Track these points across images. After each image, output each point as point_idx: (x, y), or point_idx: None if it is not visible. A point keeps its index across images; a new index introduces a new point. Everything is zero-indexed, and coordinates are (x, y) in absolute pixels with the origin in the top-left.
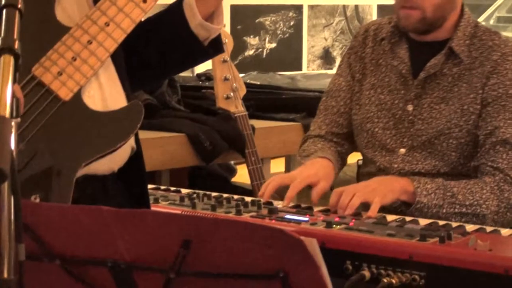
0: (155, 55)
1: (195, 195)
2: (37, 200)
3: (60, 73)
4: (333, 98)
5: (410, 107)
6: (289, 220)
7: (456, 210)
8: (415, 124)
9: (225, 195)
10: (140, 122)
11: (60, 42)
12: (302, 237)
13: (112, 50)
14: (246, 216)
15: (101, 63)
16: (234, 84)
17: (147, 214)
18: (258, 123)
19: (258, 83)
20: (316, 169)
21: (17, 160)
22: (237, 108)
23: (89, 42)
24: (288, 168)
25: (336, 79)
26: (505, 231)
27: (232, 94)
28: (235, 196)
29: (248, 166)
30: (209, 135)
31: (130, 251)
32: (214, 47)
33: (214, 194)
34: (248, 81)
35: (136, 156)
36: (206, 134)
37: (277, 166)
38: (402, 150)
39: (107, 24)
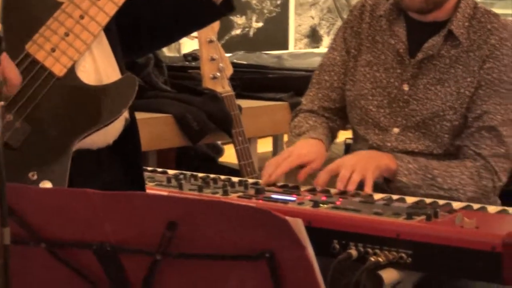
0: (165, 17)
1: (182, 176)
2: (35, 177)
3: (53, 50)
4: (326, 72)
5: (405, 87)
6: (276, 200)
7: (434, 192)
8: (410, 104)
9: (212, 176)
10: (134, 95)
11: (53, 18)
12: (287, 218)
13: (104, 24)
14: (233, 196)
15: (93, 37)
16: (221, 64)
17: (133, 196)
18: (245, 103)
19: (245, 62)
20: (308, 149)
21: (14, 138)
22: (224, 88)
23: (81, 17)
24: (275, 148)
25: (330, 53)
26: (491, 208)
27: (218, 74)
28: (222, 177)
29: (235, 146)
30: (196, 115)
31: (117, 234)
32: (226, 5)
33: (201, 175)
34: (234, 60)
35: (131, 127)
36: (193, 114)
37: (265, 145)
38: (396, 130)
39: None
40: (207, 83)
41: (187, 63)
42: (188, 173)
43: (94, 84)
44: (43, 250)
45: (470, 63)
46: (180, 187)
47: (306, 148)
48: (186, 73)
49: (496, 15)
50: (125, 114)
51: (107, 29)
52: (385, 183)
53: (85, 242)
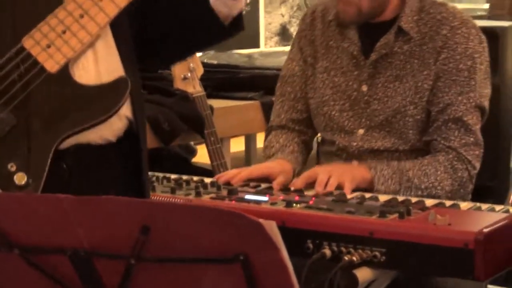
0: (175, 32)
1: (154, 178)
2: (13, 168)
3: (48, 46)
4: (288, 83)
5: (364, 88)
6: (249, 201)
7: (413, 193)
8: (371, 104)
9: (184, 177)
10: (124, 98)
11: (52, 14)
12: (261, 220)
13: (103, 24)
14: (205, 198)
15: (90, 37)
16: (191, 64)
17: (106, 200)
18: (216, 103)
19: (216, 62)
20: (275, 164)
21: None
22: (195, 89)
23: (81, 16)
24: (248, 147)
25: (289, 64)
26: (464, 205)
27: (189, 74)
28: (195, 178)
29: (207, 146)
30: (168, 116)
31: (90, 239)
32: (235, 25)
33: (173, 176)
34: (205, 60)
35: (133, 129)
36: (164, 115)
37: (237, 145)
38: (361, 131)
39: None
40: (178, 84)
41: None
42: (161, 174)
43: (91, 83)
44: (16, 256)
45: (425, 56)
46: (152, 189)
47: (272, 164)
48: (157, 74)
49: (443, 4)
50: (128, 114)
51: (115, 27)
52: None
53: (59, 247)
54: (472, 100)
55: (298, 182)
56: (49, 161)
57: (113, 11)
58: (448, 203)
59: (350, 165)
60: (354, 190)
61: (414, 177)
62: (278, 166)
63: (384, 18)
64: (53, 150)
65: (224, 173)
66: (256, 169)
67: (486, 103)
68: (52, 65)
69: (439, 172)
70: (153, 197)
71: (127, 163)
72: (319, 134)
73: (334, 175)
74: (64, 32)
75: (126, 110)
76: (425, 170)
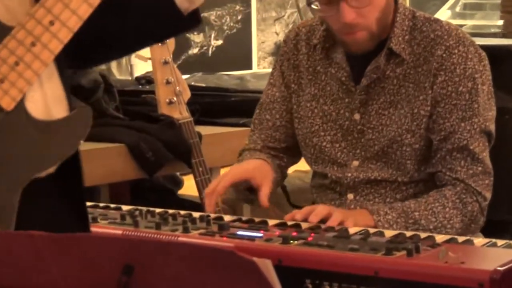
0: (128, 27)
1: (137, 212)
2: None
3: (1, 81)
4: (267, 111)
5: (357, 116)
6: (242, 237)
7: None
8: (365, 133)
9: (170, 211)
10: (88, 129)
11: (2, 44)
12: (255, 259)
13: (57, 52)
14: (194, 234)
15: (45, 67)
16: (177, 88)
17: (83, 238)
18: (205, 130)
19: (204, 85)
20: (252, 165)
21: None
22: (182, 114)
23: (33, 44)
24: None
25: (269, 90)
26: (478, 241)
27: (175, 98)
28: (182, 212)
29: (195, 178)
30: (152, 144)
31: (67, 279)
32: (193, 18)
33: (158, 210)
34: (192, 83)
35: (72, 157)
36: (148, 143)
37: None
38: (355, 163)
39: (52, 23)
40: (163, 109)
41: (140, 87)
42: (144, 208)
43: (42, 116)
44: None
45: (420, 79)
46: (135, 224)
47: (248, 165)
48: (139, 98)
49: (437, 21)
50: None
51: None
52: None
53: None
54: (477, 126)
55: (297, 215)
56: (17, 203)
57: (67, 36)
58: (460, 239)
59: (351, 211)
60: None
61: (421, 218)
62: (258, 169)
63: (373, 45)
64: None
65: (206, 190)
66: (234, 175)
67: (492, 127)
68: (8, 103)
69: (447, 209)
70: (136, 234)
71: (68, 193)
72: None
73: (336, 211)
74: (17, 63)
75: None
76: (432, 209)
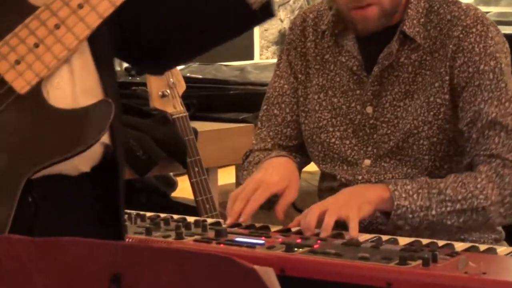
0: (193, 25)
1: (126, 216)
2: None
3: (18, 62)
4: (275, 105)
5: (369, 109)
6: (241, 244)
7: (449, 208)
8: (378, 128)
9: (162, 215)
10: (107, 125)
11: (23, 24)
12: (255, 267)
13: (83, 38)
14: (188, 240)
15: (68, 51)
16: (171, 79)
17: (68, 243)
18: (201, 126)
19: (200, 76)
20: (279, 174)
21: None
22: (176, 108)
23: (57, 27)
24: (239, 179)
25: (276, 82)
26: (501, 250)
27: (168, 91)
28: (175, 216)
29: (190, 179)
30: (142, 142)
31: None
32: (265, 10)
33: (149, 214)
34: (188, 74)
35: (111, 156)
36: (138, 140)
37: (226, 177)
38: (367, 162)
39: (80, 6)
40: (155, 102)
41: (130, 78)
42: (134, 212)
43: (68, 106)
44: None
45: (436, 65)
46: (124, 230)
47: (276, 174)
48: (129, 91)
49: (455, 2)
50: (106, 140)
51: (94, 38)
52: (384, 218)
53: None
54: (505, 100)
55: (302, 221)
56: (18, 195)
57: (95, 21)
58: (482, 247)
59: (362, 186)
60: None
61: (447, 188)
62: (284, 176)
63: (388, 23)
64: (22, 187)
65: (229, 214)
66: (260, 196)
67: None
68: (22, 85)
69: (479, 180)
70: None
71: (102, 197)
72: None
73: (329, 212)
74: (36, 45)
75: (104, 136)
76: (462, 181)
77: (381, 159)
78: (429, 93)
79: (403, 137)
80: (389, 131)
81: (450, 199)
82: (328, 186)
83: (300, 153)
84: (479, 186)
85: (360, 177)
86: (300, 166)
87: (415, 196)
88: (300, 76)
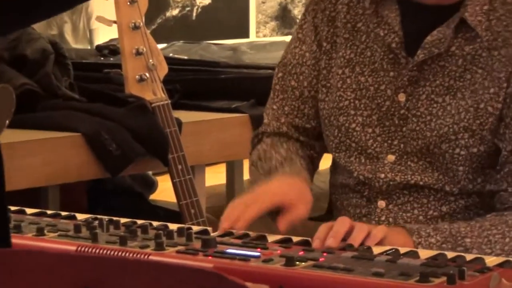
0: None
1: (96, 223)
2: None
3: None
4: (292, 75)
5: (402, 97)
6: (233, 256)
7: None
8: (409, 121)
9: (139, 222)
10: (12, 111)
11: None
12: (249, 284)
13: None
14: (170, 252)
15: None
16: (151, 60)
17: (27, 254)
18: (186, 116)
19: (186, 57)
20: (286, 188)
21: None
22: (156, 95)
23: None
24: (230, 179)
25: (296, 47)
26: None
27: (147, 74)
28: (155, 223)
29: (173, 179)
30: (116, 134)
31: None
32: None
33: (123, 220)
34: (170, 55)
35: None
36: (111, 133)
37: (215, 176)
38: (391, 157)
39: None
40: (132, 88)
41: (102, 59)
42: (106, 218)
43: None
44: None
45: (494, 66)
46: (94, 239)
47: (284, 187)
48: (100, 74)
49: None
50: None
51: None
52: None
53: None
54: None
55: (315, 242)
56: None
57: None
58: None
59: (387, 227)
60: None
61: (473, 247)
62: (293, 191)
63: (443, 1)
64: None
65: (223, 219)
66: (262, 203)
67: None
68: None
69: (507, 240)
70: (94, 250)
71: None
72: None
73: (358, 226)
74: None
75: None
76: (489, 237)
77: (407, 157)
78: (480, 98)
79: (436, 140)
80: (419, 128)
81: None
82: (342, 182)
83: (319, 137)
84: (506, 248)
85: (382, 175)
86: (318, 156)
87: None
88: (325, 44)
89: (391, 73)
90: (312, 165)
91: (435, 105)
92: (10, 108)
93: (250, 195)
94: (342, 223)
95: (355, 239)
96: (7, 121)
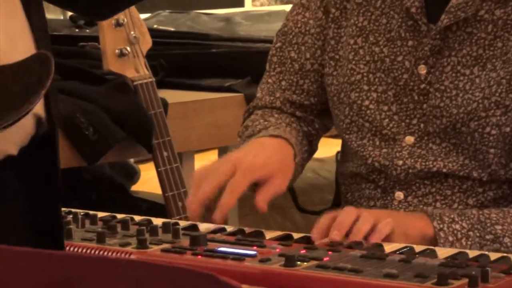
0: None
1: (71, 217)
2: None
3: None
4: (293, 45)
5: (422, 69)
6: (226, 255)
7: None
8: (431, 97)
9: (119, 216)
10: (47, 82)
11: None
12: (244, 286)
13: None
14: (154, 250)
15: None
16: (132, 33)
17: None
18: (172, 96)
19: (172, 29)
20: (264, 156)
21: None
22: (138, 72)
23: None
24: None
25: (298, 14)
26: None
27: (129, 48)
28: (137, 217)
29: (157, 167)
30: (93, 116)
31: None
32: None
33: (101, 214)
34: (155, 26)
35: (47, 134)
36: (87, 115)
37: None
38: (409, 139)
39: None
40: (111, 64)
41: (76, 30)
42: (81, 212)
43: None
44: None
45: None
46: (67, 235)
47: (261, 155)
48: (75, 47)
49: None
50: (38, 111)
51: None
52: None
53: None
54: None
55: (314, 234)
56: None
57: None
58: None
59: (404, 215)
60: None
61: (505, 235)
62: (272, 160)
63: None
64: None
65: (190, 205)
66: (238, 184)
67: None
68: None
69: None
70: (69, 248)
71: (32, 188)
72: (339, 150)
73: (363, 216)
74: None
75: (37, 106)
76: None
77: (428, 138)
78: None
79: (463, 118)
80: (442, 104)
81: (506, 251)
82: (354, 171)
83: (321, 115)
84: None
85: (400, 162)
86: (318, 134)
87: (463, 240)
88: (333, 11)
89: (410, 42)
90: (308, 142)
91: (461, 78)
92: (47, 77)
93: (221, 166)
94: (347, 213)
95: (357, 233)
96: (43, 91)
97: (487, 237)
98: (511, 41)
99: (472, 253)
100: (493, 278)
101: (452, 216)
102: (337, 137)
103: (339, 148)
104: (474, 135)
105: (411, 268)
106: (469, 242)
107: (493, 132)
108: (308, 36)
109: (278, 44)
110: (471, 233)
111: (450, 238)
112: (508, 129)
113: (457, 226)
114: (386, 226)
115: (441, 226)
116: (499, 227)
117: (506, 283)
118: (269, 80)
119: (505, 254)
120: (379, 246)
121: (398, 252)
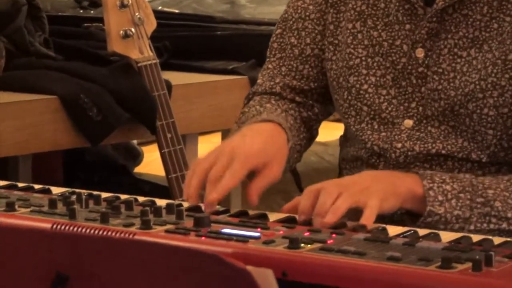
0: None
1: (74, 198)
2: None
3: None
4: (293, 31)
5: (420, 52)
6: (229, 237)
7: (492, 225)
8: (429, 80)
9: (123, 197)
10: None
11: None
12: (249, 267)
13: None
14: (158, 231)
15: None
16: (137, 14)
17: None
18: (177, 77)
19: (177, 11)
20: (257, 144)
21: None
22: (143, 54)
23: None
24: None
25: (298, 0)
26: None
27: (133, 30)
28: (140, 198)
29: (161, 149)
30: (97, 98)
31: None
32: None
33: (105, 195)
34: (159, 8)
35: None
36: (91, 96)
37: (209, 147)
38: (408, 122)
39: None
40: (115, 45)
41: (81, 11)
42: (85, 192)
43: None
44: None
45: None
46: (71, 215)
47: (257, 141)
48: (79, 29)
49: None
50: None
51: None
52: (408, 219)
53: None
54: None
55: (300, 205)
56: None
57: None
58: None
59: (390, 173)
60: (393, 219)
61: (496, 199)
62: (266, 147)
63: None
64: None
65: (187, 191)
66: (233, 175)
67: None
68: None
69: None
70: (72, 228)
71: None
72: (342, 134)
73: (344, 195)
74: None
75: None
76: None
77: (427, 121)
78: (507, 49)
79: (461, 99)
80: (441, 87)
81: (496, 215)
82: (354, 155)
83: (321, 100)
84: None
85: (399, 145)
86: (318, 119)
87: (453, 201)
88: None
89: (407, 26)
90: (307, 128)
91: (458, 60)
92: None
93: (218, 156)
94: (328, 194)
95: (319, 209)
96: None
97: (478, 200)
98: (506, 22)
99: (476, 238)
100: (496, 262)
101: (443, 177)
102: (340, 121)
103: (342, 133)
104: (472, 117)
105: (414, 251)
106: (459, 204)
107: (491, 113)
108: (308, 22)
109: (279, 31)
110: (462, 195)
111: (440, 198)
112: (505, 109)
113: (448, 187)
114: (345, 201)
115: (431, 185)
116: (491, 191)
117: (509, 267)
118: (269, 66)
119: (509, 239)
120: (383, 230)
121: (401, 236)
